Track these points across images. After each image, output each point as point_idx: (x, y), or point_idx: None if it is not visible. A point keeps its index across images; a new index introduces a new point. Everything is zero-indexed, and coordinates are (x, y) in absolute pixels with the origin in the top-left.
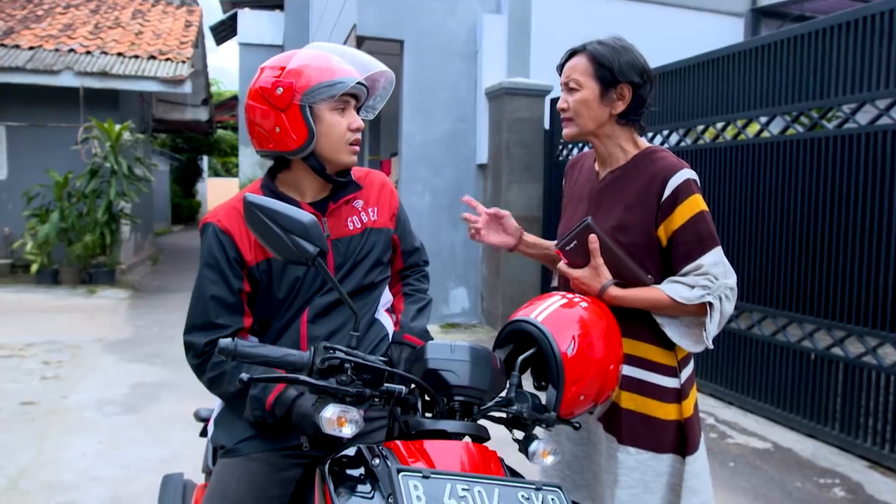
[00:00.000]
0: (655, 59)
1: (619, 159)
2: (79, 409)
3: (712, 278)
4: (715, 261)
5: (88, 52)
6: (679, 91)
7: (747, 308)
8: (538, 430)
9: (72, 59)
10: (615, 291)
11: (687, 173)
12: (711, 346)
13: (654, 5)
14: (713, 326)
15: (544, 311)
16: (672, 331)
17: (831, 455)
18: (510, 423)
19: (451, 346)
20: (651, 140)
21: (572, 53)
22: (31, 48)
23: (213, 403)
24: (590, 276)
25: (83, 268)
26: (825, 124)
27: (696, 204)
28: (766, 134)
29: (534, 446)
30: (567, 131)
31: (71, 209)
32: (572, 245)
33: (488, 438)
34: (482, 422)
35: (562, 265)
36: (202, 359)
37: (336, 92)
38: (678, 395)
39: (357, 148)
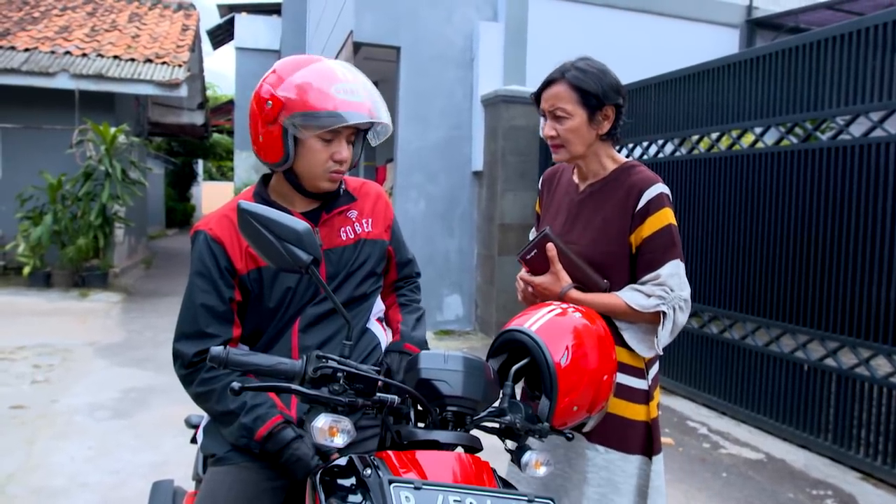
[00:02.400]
0: (651, 68)
1: (598, 173)
2: (69, 413)
3: (668, 289)
4: (672, 272)
5: (84, 55)
6: (674, 101)
7: (741, 318)
8: (531, 441)
9: (68, 62)
10: (575, 294)
11: (660, 188)
12: (661, 353)
13: (650, 15)
14: (665, 334)
15: (538, 321)
16: (629, 335)
17: (824, 466)
18: (503, 434)
19: (445, 355)
20: (646, 149)
21: (550, 82)
22: (26, 50)
23: None
24: (550, 281)
25: (76, 271)
26: (819, 136)
27: (666, 217)
28: (760, 145)
29: (526, 457)
30: (557, 157)
31: (64, 212)
32: (533, 254)
33: (481, 449)
34: (475, 432)
35: (523, 273)
36: (190, 370)
37: (322, 126)
38: (646, 397)
39: (338, 176)
